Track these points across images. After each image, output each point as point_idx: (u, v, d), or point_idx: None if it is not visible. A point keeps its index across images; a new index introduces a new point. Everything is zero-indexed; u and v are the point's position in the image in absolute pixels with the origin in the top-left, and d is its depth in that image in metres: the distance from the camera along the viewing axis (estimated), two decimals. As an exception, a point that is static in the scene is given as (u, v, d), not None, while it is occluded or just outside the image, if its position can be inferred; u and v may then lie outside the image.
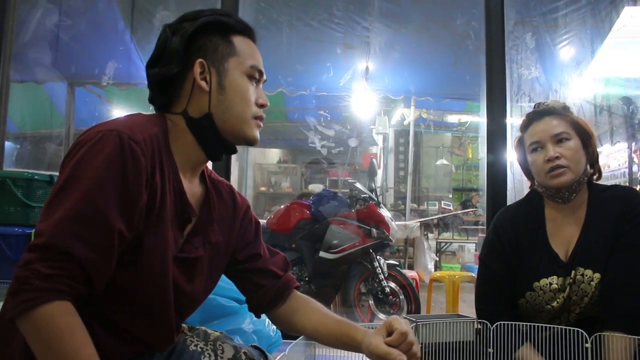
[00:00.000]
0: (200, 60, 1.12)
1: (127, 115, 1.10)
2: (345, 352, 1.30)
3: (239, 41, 1.17)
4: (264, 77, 1.22)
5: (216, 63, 1.14)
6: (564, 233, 1.66)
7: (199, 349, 1.21)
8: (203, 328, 1.29)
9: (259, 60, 1.20)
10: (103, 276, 0.96)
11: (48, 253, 0.90)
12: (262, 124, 1.20)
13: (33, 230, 1.04)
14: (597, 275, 1.57)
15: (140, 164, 0.99)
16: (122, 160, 0.97)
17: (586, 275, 1.58)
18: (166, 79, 1.13)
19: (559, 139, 1.62)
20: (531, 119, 1.70)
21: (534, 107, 1.75)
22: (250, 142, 1.18)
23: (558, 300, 1.60)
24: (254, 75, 1.17)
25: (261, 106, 1.19)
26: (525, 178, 1.86)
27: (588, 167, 1.67)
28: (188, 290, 1.14)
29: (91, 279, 0.93)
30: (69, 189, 0.94)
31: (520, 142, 1.76)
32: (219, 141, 1.15)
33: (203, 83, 1.12)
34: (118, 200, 0.96)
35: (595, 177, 1.71)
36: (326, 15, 4.26)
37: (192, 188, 1.16)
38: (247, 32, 1.20)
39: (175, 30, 1.14)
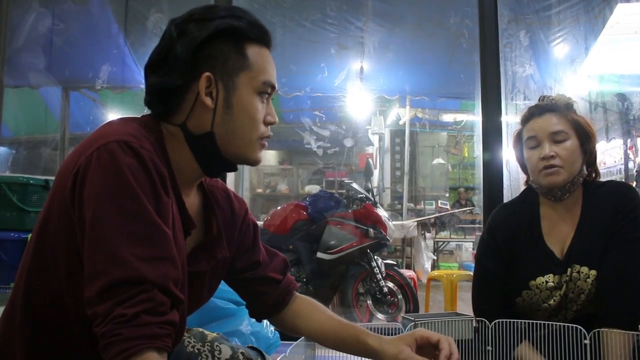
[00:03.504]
0: (207, 74, 1.00)
1: (121, 122, 1.01)
2: (346, 354, 1.29)
3: (252, 52, 1.05)
4: (276, 89, 1.10)
5: (225, 78, 1.02)
6: (559, 231, 1.65)
7: (196, 350, 1.19)
8: (200, 329, 1.28)
9: (272, 74, 1.08)
10: (183, 286, 0.92)
11: (120, 290, 0.82)
12: (266, 143, 1.10)
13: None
14: (593, 272, 1.57)
15: (160, 169, 0.93)
16: (144, 167, 0.90)
17: (582, 273, 1.58)
18: (167, 89, 1.02)
19: (556, 138, 1.61)
20: (532, 114, 1.68)
21: (539, 100, 1.73)
22: (252, 164, 1.10)
23: (555, 298, 1.60)
24: (265, 91, 1.06)
25: (269, 124, 1.08)
26: (521, 176, 1.86)
27: (584, 167, 1.65)
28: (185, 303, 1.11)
29: (176, 296, 0.88)
30: (105, 217, 0.85)
31: (518, 136, 1.74)
32: (218, 160, 1.06)
33: (208, 100, 1.01)
34: (155, 207, 0.89)
35: (593, 176, 1.70)
36: (320, 15, 4.26)
37: (189, 200, 1.10)
38: (262, 39, 1.08)
39: (182, 32, 1.01)
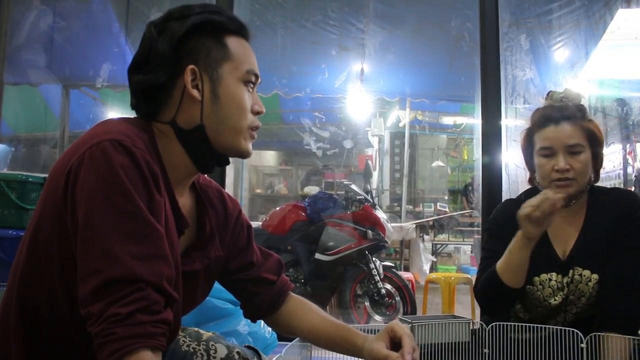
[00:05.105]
0: (191, 66, 1.02)
1: (113, 122, 1.00)
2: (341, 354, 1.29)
3: (232, 43, 1.07)
4: (260, 79, 1.12)
5: (209, 69, 1.04)
6: (563, 233, 1.65)
7: (191, 350, 1.19)
8: (195, 328, 1.28)
9: (254, 62, 1.10)
10: (177, 284, 0.92)
11: (114, 289, 0.82)
12: (256, 135, 1.11)
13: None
14: (595, 276, 1.57)
15: (152, 167, 0.93)
16: (137, 166, 0.90)
17: (584, 276, 1.58)
18: (153, 86, 1.02)
19: (571, 151, 1.59)
20: (547, 119, 1.64)
21: (548, 96, 1.71)
22: (243, 155, 1.11)
23: (556, 298, 1.60)
24: (249, 80, 1.08)
25: (257, 113, 1.10)
26: (520, 179, 1.86)
27: (592, 176, 1.66)
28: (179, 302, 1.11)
29: (170, 294, 0.88)
30: (98, 215, 0.85)
31: (529, 136, 1.71)
32: (210, 153, 1.07)
33: (195, 92, 1.02)
34: (148, 206, 0.89)
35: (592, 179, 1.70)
36: (321, 17, 4.26)
37: (183, 200, 1.10)
38: (240, 31, 1.10)
39: (162, 30, 1.03)
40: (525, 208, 1.47)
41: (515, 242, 1.53)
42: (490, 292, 1.61)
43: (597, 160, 1.65)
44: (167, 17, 1.05)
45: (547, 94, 1.72)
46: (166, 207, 0.98)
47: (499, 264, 1.56)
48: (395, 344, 1.13)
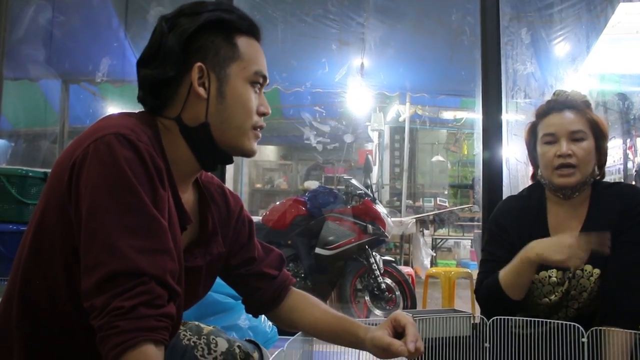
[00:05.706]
0: (199, 64, 1.02)
1: (118, 116, 1.00)
2: (343, 347, 1.29)
3: (242, 43, 1.07)
4: (267, 81, 1.12)
5: (216, 68, 1.04)
6: (565, 228, 1.65)
7: (192, 343, 1.19)
8: (196, 322, 1.27)
9: (263, 64, 1.10)
10: (179, 279, 0.92)
11: (118, 282, 0.82)
12: (260, 134, 1.11)
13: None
14: (597, 270, 1.57)
15: (157, 162, 0.93)
16: (141, 160, 0.90)
17: (586, 270, 1.58)
18: (160, 81, 1.03)
19: (574, 137, 1.60)
20: (550, 108, 1.66)
21: (554, 95, 1.72)
22: (247, 155, 1.10)
23: (556, 294, 1.60)
24: (257, 81, 1.08)
25: (262, 114, 1.10)
26: (520, 174, 1.85)
27: (596, 168, 1.66)
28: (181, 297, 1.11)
29: (173, 288, 0.89)
30: (102, 208, 0.86)
31: (532, 129, 1.72)
32: (214, 152, 1.07)
33: (201, 90, 1.02)
34: (152, 200, 0.89)
35: (597, 176, 1.70)
36: (321, 11, 4.25)
37: (185, 196, 1.10)
38: (251, 31, 1.10)
39: (173, 26, 1.03)
40: (559, 254, 1.44)
41: (522, 263, 1.52)
42: (494, 302, 1.60)
43: (600, 153, 1.65)
44: (178, 13, 1.05)
45: (554, 93, 1.73)
46: (169, 203, 0.98)
47: (503, 278, 1.56)
48: (398, 334, 1.12)
